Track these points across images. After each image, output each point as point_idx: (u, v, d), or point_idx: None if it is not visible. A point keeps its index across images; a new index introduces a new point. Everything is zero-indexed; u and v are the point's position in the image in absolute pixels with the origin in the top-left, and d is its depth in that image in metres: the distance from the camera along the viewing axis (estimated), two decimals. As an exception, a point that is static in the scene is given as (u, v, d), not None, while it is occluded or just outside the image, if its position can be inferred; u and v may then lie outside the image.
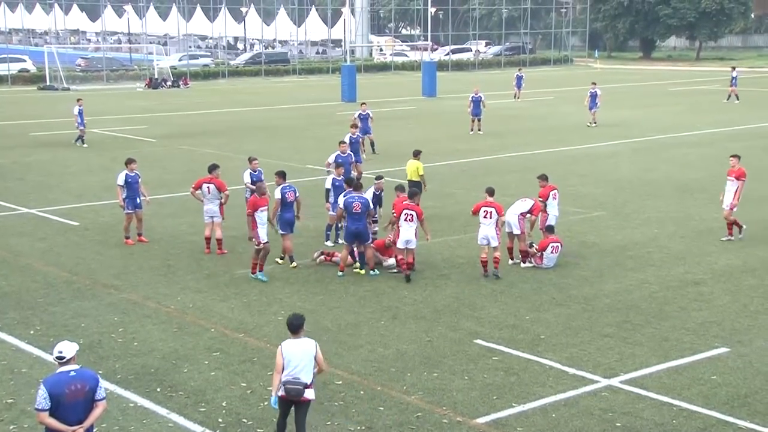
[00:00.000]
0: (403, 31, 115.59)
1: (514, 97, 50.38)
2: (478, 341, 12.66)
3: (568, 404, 10.64)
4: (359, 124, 27.74)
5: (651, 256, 17.23)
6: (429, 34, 60.58)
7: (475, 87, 38.20)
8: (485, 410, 10.48)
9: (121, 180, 17.89)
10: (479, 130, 35.59)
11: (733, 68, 50.91)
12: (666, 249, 17.73)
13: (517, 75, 51.37)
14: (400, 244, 15.58)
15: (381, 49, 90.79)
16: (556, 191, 17.18)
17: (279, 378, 8.93)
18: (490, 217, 15.54)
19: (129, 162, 18.19)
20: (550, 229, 16.64)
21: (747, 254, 17.33)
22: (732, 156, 18.70)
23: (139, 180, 18.11)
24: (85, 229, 19.56)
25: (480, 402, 10.70)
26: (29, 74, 63.61)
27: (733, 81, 48.38)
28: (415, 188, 17.37)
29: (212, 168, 17.57)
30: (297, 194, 16.36)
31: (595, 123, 37.86)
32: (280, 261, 16.47)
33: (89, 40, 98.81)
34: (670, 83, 61.65)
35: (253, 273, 15.65)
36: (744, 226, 18.54)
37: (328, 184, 17.67)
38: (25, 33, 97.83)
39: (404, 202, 15.78)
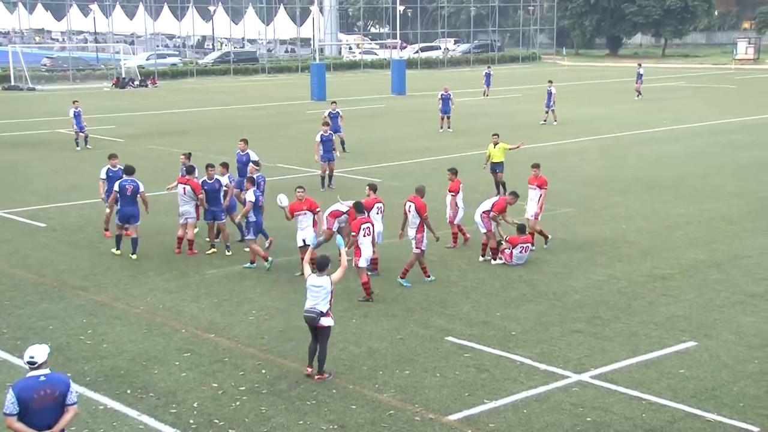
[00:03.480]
0: (372, 30, 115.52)
1: (483, 94, 50.60)
2: (450, 338, 12.71)
3: (539, 400, 10.72)
4: (330, 123, 27.69)
5: (619, 251, 17.41)
6: (398, 32, 60.61)
7: (445, 85, 38.29)
8: (457, 407, 10.53)
9: (103, 174, 18.38)
10: (449, 127, 35.68)
11: (639, 65, 50.83)
12: (634, 244, 17.92)
13: (486, 72, 51.64)
14: (362, 263, 14.41)
15: (350, 48, 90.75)
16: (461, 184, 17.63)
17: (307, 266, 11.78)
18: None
19: (111, 157, 18.67)
20: (521, 229, 16.70)
21: (712, 249, 17.56)
22: (533, 165, 18.09)
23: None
24: (53, 230, 19.35)
25: (452, 399, 10.74)
26: (-6, 74, 62.72)
27: (639, 77, 48.70)
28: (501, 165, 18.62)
29: (190, 170, 17.52)
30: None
31: (555, 121, 37.86)
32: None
33: (55, 40, 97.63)
34: (637, 80, 62.08)
35: (403, 277, 15.25)
36: (549, 236, 17.76)
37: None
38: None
39: (364, 217, 14.72)
